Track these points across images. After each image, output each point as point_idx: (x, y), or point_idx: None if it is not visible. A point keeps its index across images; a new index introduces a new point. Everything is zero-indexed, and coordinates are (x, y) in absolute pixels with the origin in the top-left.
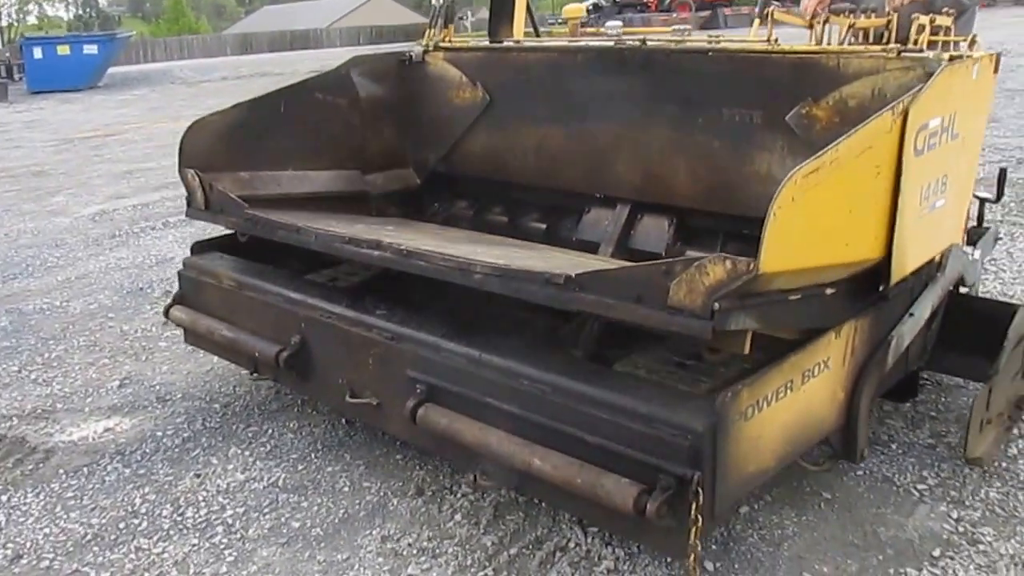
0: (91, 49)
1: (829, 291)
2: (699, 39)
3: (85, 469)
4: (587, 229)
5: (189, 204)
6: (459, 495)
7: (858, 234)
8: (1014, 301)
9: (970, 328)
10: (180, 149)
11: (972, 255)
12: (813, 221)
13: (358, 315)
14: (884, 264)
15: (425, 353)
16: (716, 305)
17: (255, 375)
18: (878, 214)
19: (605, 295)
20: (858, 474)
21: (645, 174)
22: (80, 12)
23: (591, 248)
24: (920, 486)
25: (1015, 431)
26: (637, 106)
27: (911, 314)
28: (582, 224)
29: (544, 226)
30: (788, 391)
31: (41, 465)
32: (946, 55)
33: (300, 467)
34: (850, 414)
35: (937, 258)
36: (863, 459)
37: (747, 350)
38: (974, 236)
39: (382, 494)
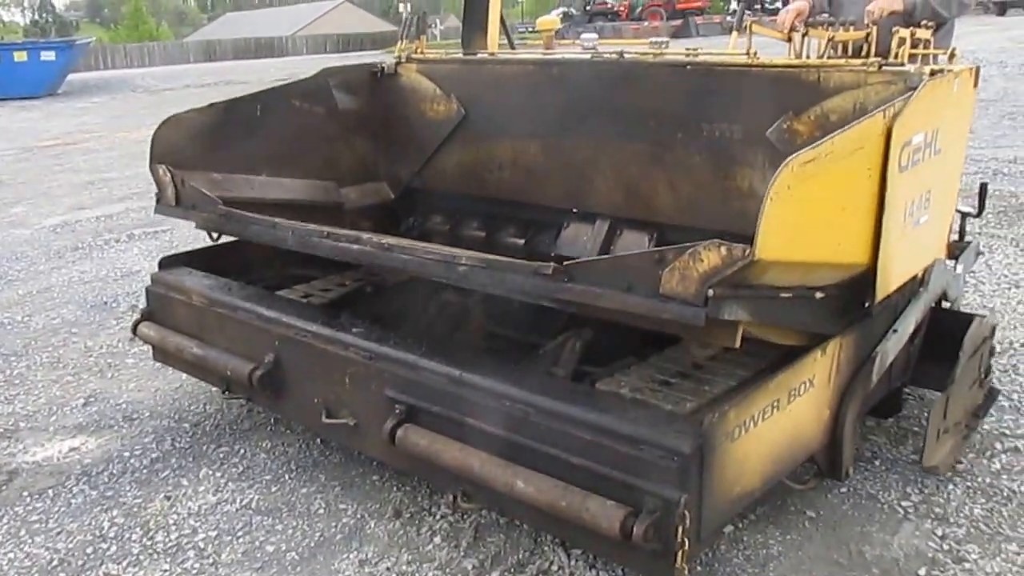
0: (49, 56)
1: (819, 295)
2: (677, 52)
3: (50, 491)
4: (566, 245)
5: (159, 200)
6: (438, 516)
7: (848, 236)
8: (977, 312)
9: (939, 340)
10: (152, 144)
11: (955, 270)
12: (807, 213)
13: (334, 333)
14: (870, 274)
15: (403, 372)
16: (710, 292)
17: (227, 394)
18: (866, 220)
19: (594, 285)
20: (843, 492)
21: (625, 189)
22: (36, 17)
23: None
24: (904, 503)
25: (998, 445)
26: (615, 120)
27: (895, 330)
28: (561, 240)
29: (522, 241)
30: (774, 410)
31: (4, 487)
32: (927, 69)
33: (274, 488)
34: (835, 432)
35: (920, 273)
36: (848, 477)
37: (738, 344)
38: (956, 250)
39: (359, 516)
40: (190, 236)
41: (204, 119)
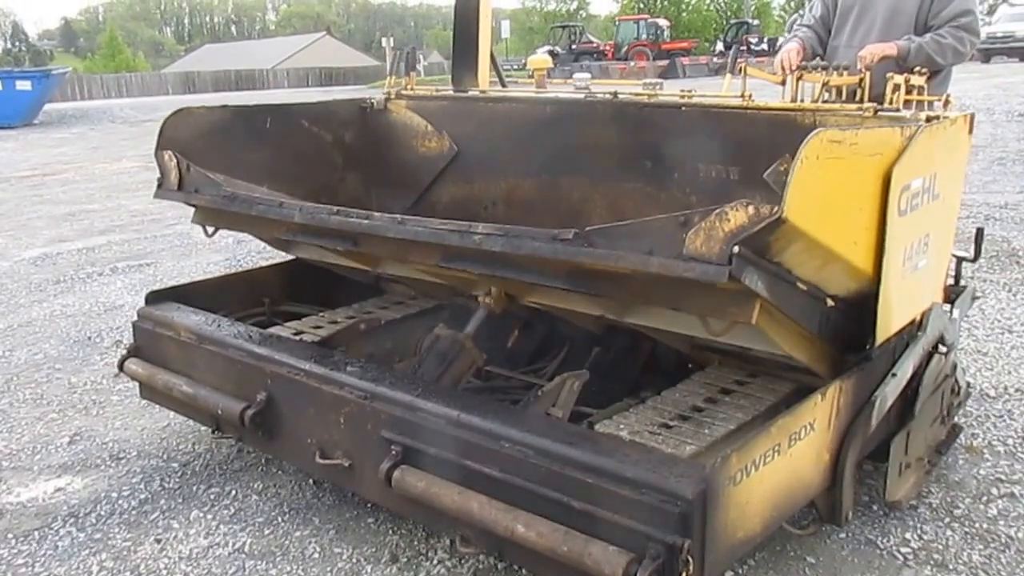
0: (24, 85)
1: (830, 303)
2: (671, 93)
3: (36, 533)
4: None
5: (160, 186)
6: (435, 561)
7: (861, 240)
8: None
9: None
10: (160, 132)
11: (951, 314)
12: (831, 191)
13: (328, 372)
14: (871, 310)
15: (400, 413)
16: (735, 249)
17: (216, 433)
18: (872, 239)
19: (614, 249)
20: (841, 537)
21: None
22: (9, 46)
23: None
24: (903, 549)
25: (994, 490)
26: (610, 160)
27: (894, 374)
28: None
29: None
30: (775, 454)
31: None
32: (923, 115)
33: (267, 531)
34: (835, 477)
35: (919, 317)
36: (848, 522)
37: (754, 320)
38: (953, 295)
39: (354, 560)
40: (174, 270)
41: (214, 118)
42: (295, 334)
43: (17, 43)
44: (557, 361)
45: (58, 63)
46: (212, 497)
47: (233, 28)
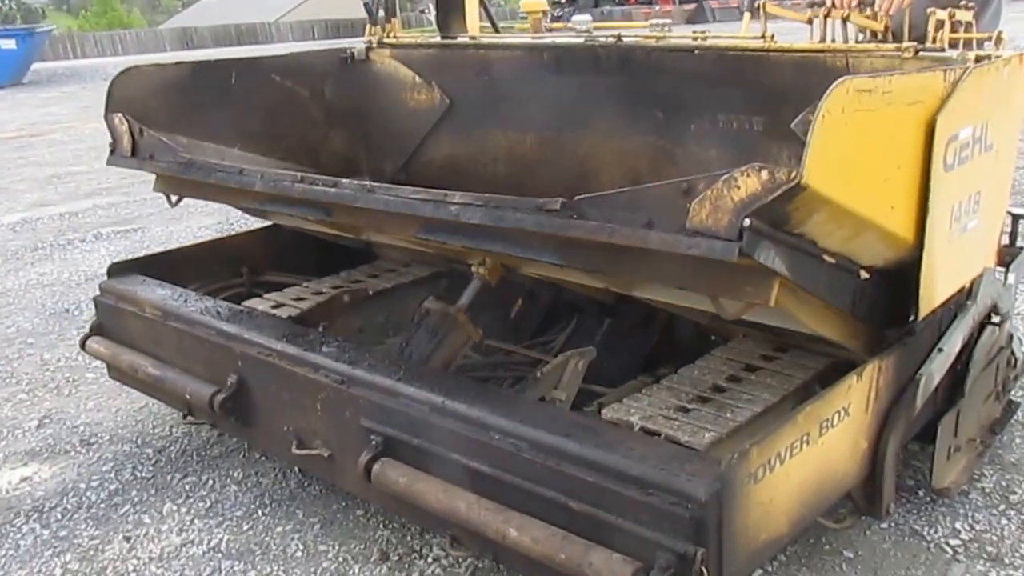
0: (8, 44)
1: (864, 275)
2: (682, 35)
3: None
4: None
5: (112, 152)
6: (430, 559)
7: (899, 203)
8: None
9: None
10: (109, 93)
11: (1006, 280)
12: (860, 150)
13: (302, 352)
14: (913, 279)
15: (379, 399)
16: (747, 222)
17: (188, 418)
18: (914, 200)
19: (607, 222)
20: (883, 527)
21: (631, 185)
22: (0, 4)
23: None
24: (953, 541)
25: None
26: (618, 111)
27: (940, 349)
28: None
29: None
30: (804, 445)
31: None
32: (971, 55)
33: (246, 527)
34: (875, 466)
35: (968, 285)
36: (889, 515)
37: (772, 302)
38: (1007, 257)
39: (341, 559)
40: (162, 235)
41: (169, 75)
42: (274, 307)
43: (7, 1)
44: (565, 334)
45: (50, 21)
46: (187, 488)
47: None
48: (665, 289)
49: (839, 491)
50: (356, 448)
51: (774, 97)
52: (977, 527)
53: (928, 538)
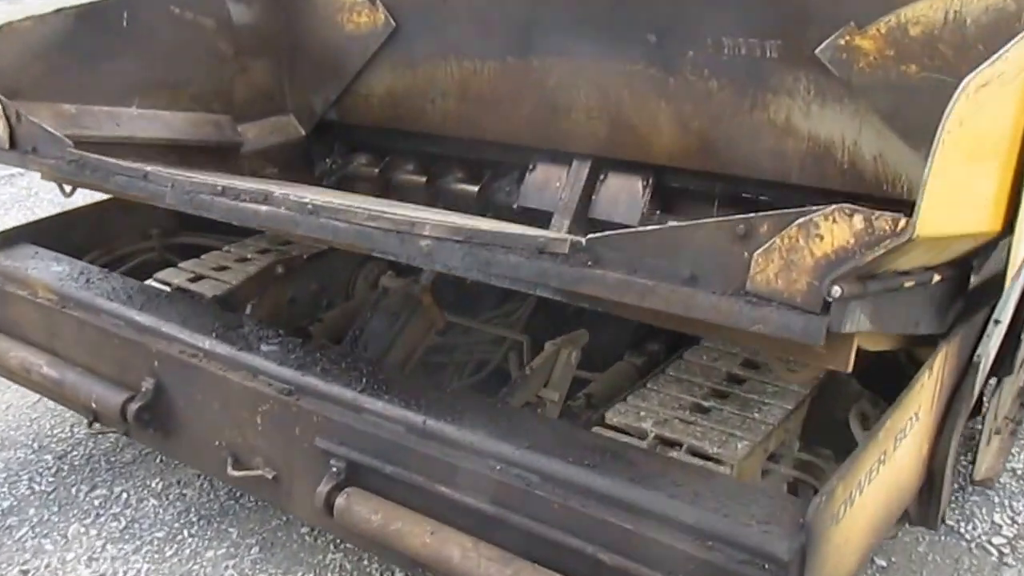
0: None
1: (936, 278)
2: None
3: None
4: (533, 193)
5: None
6: None
7: (992, 200)
8: None
9: None
10: None
11: None
12: (971, 163)
13: (234, 353)
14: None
15: (339, 416)
16: (835, 291)
17: (96, 426)
18: (1006, 190)
19: (634, 272)
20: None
21: (611, 122)
22: None
23: (541, 218)
24: (996, 540)
25: None
26: (599, 33)
27: (996, 321)
28: (526, 187)
29: (475, 188)
30: (880, 466)
31: None
32: None
33: (168, 552)
34: (933, 470)
35: None
36: (944, 523)
37: (850, 368)
38: None
39: None
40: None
41: (47, 30)
42: (192, 280)
43: None
44: (531, 304)
45: None
46: (97, 503)
47: None
48: None
49: (902, 508)
50: (310, 473)
51: (796, 17)
52: (1019, 519)
53: (968, 537)
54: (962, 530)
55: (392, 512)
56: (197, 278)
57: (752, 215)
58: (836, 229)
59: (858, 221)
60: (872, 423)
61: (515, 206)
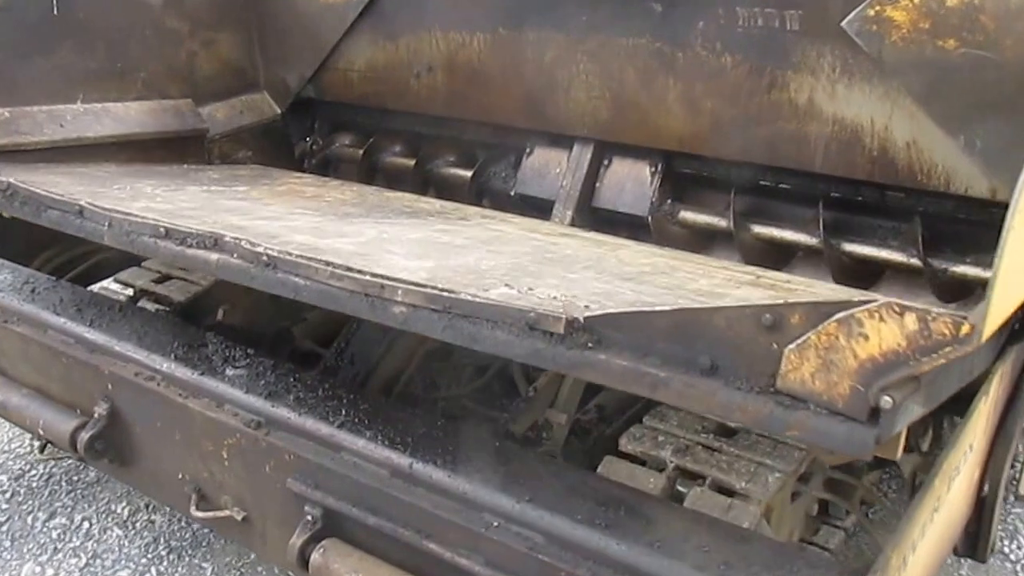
0: None
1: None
2: None
3: None
4: (532, 180)
5: None
6: None
7: None
8: None
9: None
10: None
11: None
12: None
13: (196, 378)
14: None
15: (314, 455)
16: (885, 401)
17: (48, 451)
18: None
19: (643, 358)
20: None
21: (614, 102)
22: None
23: (541, 207)
24: None
25: None
26: (601, 3)
27: None
28: (524, 172)
29: (467, 174)
30: (934, 515)
31: None
32: None
33: None
34: (983, 501)
35: None
36: (994, 554)
37: (899, 455)
38: None
39: None
40: None
41: None
42: (157, 281)
43: None
44: None
45: None
46: (55, 535)
47: None
48: None
49: (952, 546)
50: (282, 516)
51: None
52: None
53: (1012, 558)
54: (1007, 550)
55: (375, 570)
56: (164, 278)
57: (779, 303)
58: (884, 329)
59: (911, 322)
60: None
61: (513, 193)
